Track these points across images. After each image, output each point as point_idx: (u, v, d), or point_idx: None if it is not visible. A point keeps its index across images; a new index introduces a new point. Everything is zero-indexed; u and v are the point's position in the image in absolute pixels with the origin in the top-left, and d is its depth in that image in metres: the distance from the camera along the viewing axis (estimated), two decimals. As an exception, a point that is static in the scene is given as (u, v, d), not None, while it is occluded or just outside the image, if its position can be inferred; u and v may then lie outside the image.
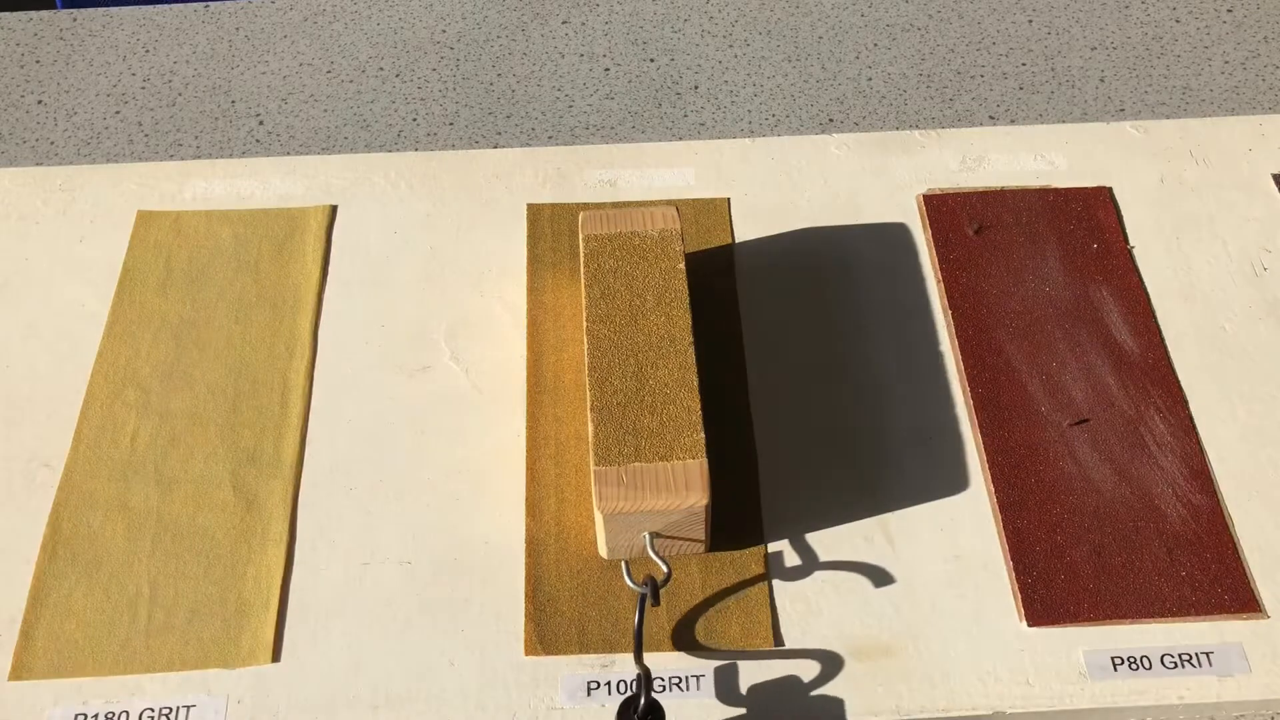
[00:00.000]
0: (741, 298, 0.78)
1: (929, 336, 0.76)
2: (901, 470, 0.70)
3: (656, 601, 0.61)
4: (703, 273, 0.78)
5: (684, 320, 0.68)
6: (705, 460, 0.62)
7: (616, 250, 0.71)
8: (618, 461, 0.63)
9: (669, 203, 0.82)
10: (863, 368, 0.74)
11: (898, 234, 0.81)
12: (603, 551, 0.65)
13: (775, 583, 0.65)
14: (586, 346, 0.67)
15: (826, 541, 0.67)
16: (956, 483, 0.69)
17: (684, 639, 0.63)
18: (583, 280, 0.71)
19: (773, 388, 0.73)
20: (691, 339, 0.67)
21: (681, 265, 0.71)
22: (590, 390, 0.65)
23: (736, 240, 0.81)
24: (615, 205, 0.82)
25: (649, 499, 0.61)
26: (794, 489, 0.69)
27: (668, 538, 0.64)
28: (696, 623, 0.64)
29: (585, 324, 0.68)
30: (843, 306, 0.77)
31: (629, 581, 0.62)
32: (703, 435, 0.63)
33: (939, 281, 0.78)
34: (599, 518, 0.62)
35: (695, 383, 0.65)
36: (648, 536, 0.63)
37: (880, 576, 0.65)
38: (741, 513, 0.68)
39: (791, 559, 0.66)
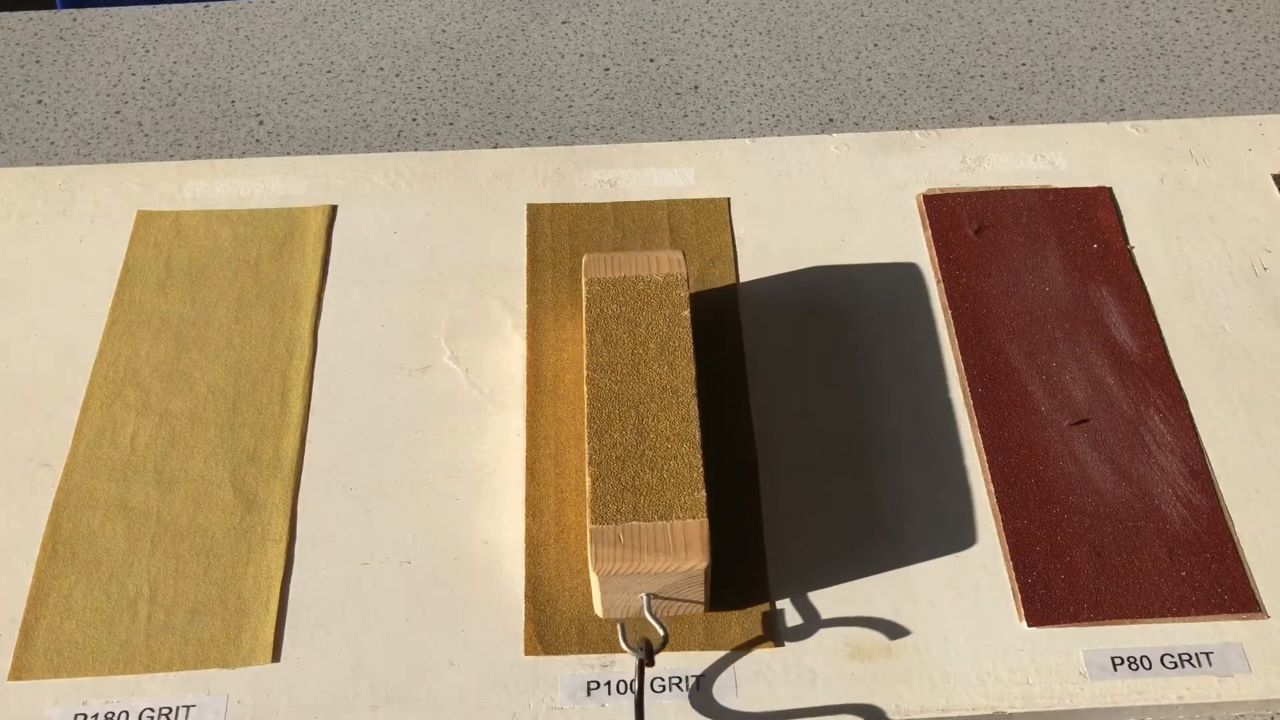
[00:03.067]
0: (741, 298, 0.78)
1: (929, 336, 0.76)
2: (901, 470, 0.70)
3: (651, 662, 0.59)
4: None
5: (687, 371, 0.66)
6: (706, 520, 0.60)
7: (619, 295, 0.69)
8: (615, 520, 0.61)
9: (669, 202, 0.82)
10: (862, 367, 0.74)
11: (898, 234, 0.81)
12: (598, 610, 0.63)
13: (775, 583, 0.65)
14: (586, 396, 0.65)
15: (826, 541, 0.67)
16: (956, 483, 0.69)
17: (684, 639, 0.63)
18: (584, 326, 0.69)
19: (772, 385, 0.73)
20: (694, 390, 0.65)
21: (686, 312, 0.68)
22: (589, 443, 0.63)
23: (737, 238, 0.81)
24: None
25: (646, 560, 0.59)
26: (793, 487, 0.69)
27: (665, 599, 0.62)
28: (696, 623, 0.64)
29: (585, 372, 0.66)
30: (842, 307, 0.77)
31: (624, 645, 0.60)
32: (704, 494, 0.61)
33: (939, 281, 0.78)
34: (594, 578, 0.61)
35: (697, 437, 0.63)
36: (645, 598, 0.61)
37: (880, 576, 0.65)
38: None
39: (791, 559, 0.66)
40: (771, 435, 0.71)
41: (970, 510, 0.68)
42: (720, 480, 0.69)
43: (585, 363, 0.67)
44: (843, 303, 0.77)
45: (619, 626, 0.62)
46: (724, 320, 0.76)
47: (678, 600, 0.62)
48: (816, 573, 0.66)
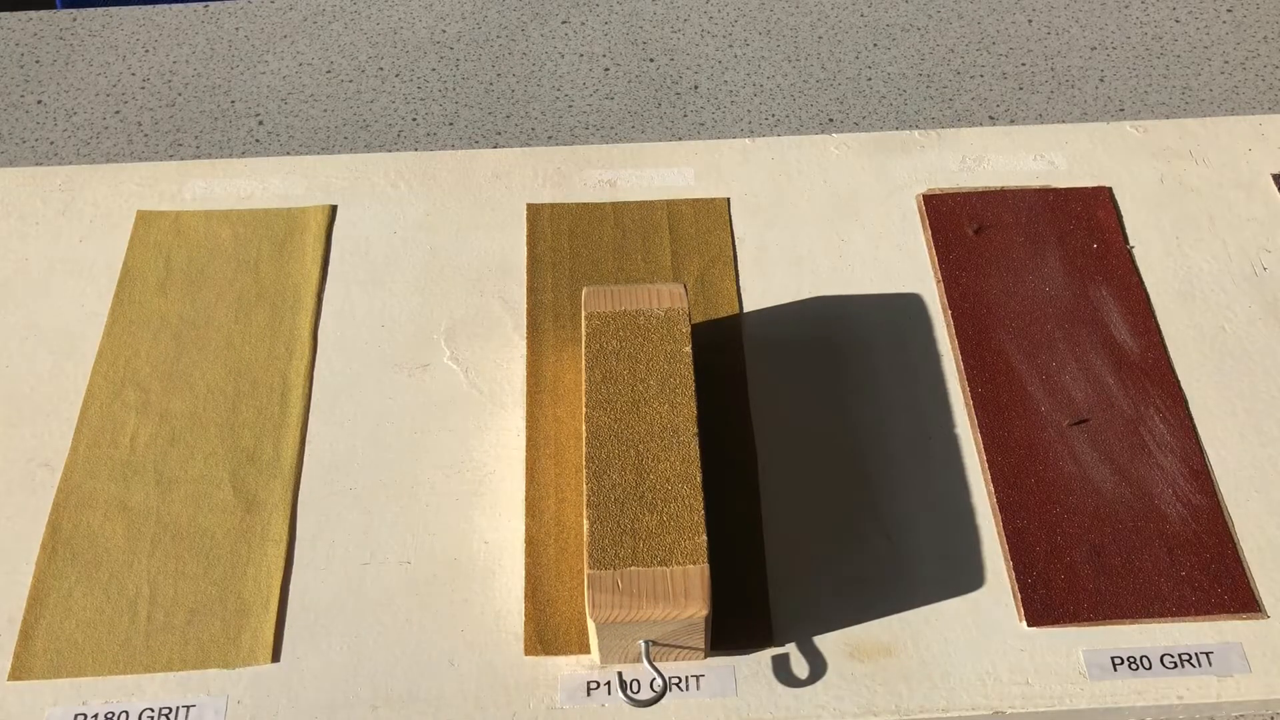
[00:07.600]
0: (743, 303, 0.78)
1: (929, 336, 0.76)
2: (901, 470, 0.70)
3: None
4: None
5: (689, 409, 0.64)
6: (707, 566, 0.59)
7: (620, 330, 0.67)
8: (613, 565, 0.59)
9: (669, 202, 0.82)
10: (863, 368, 0.74)
11: (898, 234, 0.81)
12: (595, 657, 0.62)
13: (775, 581, 0.65)
14: (585, 435, 0.64)
15: (827, 541, 0.67)
16: (956, 483, 0.69)
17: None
18: (583, 361, 0.67)
19: (772, 385, 0.73)
20: (696, 429, 0.63)
21: (688, 348, 0.66)
22: (587, 483, 0.62)
23: (737, 238, 0.81)
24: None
25: (645, 607, 0.58)
26: (793, 485, 0.69)
27: (664, 645, 0.61)
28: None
29: (584, 410, 0.65)
30: (842, 306, 0.77)
31: (623, 697, 0.60)
32: (705, 538, 0.60)
33: (939, 281, 0.78)
34: (591, 625, 0.59)
35: (698, 478, 0.62)
36: (644, 645, 0.60)
37: (880, 576, 0.65)
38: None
39: (792, 558, 0.66)
40: (770, 433, 0.71)
41: (970, 510, 0.68)
42: (718, 483, 0.69)
43: (584, 399, 0.65)
44: (843, 304, 0.77)
45: (617, 675, 0.61)
46: (725, 332, 0.77)
47: (677, 647, 0.61)
48: (817, 572, 0.66)
